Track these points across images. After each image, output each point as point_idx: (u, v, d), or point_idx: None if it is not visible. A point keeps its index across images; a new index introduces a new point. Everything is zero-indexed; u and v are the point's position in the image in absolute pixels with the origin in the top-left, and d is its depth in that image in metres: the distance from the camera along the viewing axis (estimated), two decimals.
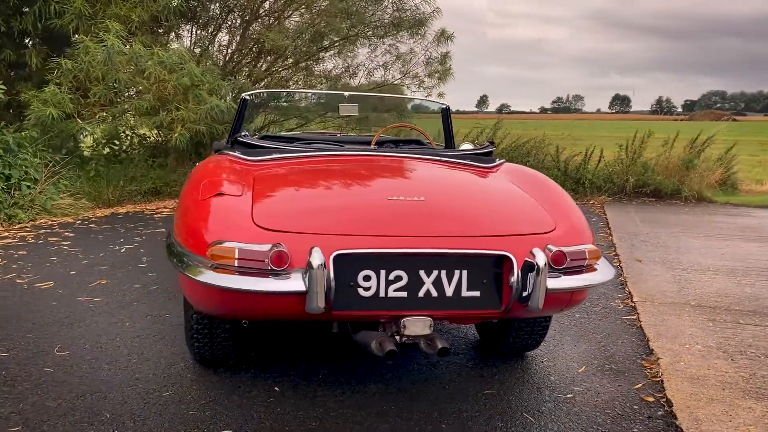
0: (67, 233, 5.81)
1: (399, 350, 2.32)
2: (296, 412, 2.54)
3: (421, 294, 2.18)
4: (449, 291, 2.19)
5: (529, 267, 2.16)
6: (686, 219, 7.57)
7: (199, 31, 10.06)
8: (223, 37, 10.27)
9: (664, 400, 2.76)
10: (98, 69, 7.35)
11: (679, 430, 2.50)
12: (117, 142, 9.32)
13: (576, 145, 10.27)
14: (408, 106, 10.58)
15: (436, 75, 11.08)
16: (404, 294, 2.17)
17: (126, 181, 8.14)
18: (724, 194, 9.43)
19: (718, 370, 3.07)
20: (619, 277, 4.73)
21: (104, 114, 8.19)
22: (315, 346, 3.22)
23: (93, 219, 6.64)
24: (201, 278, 2.11)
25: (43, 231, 5.89)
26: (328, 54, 10.42)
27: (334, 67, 10.99)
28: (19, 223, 6.13)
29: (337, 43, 10.20)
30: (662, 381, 2.94)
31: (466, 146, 4.17)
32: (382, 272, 2.15)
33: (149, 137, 9.52)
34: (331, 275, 2.04)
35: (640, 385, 2.91)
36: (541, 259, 2.14)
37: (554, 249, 2.23)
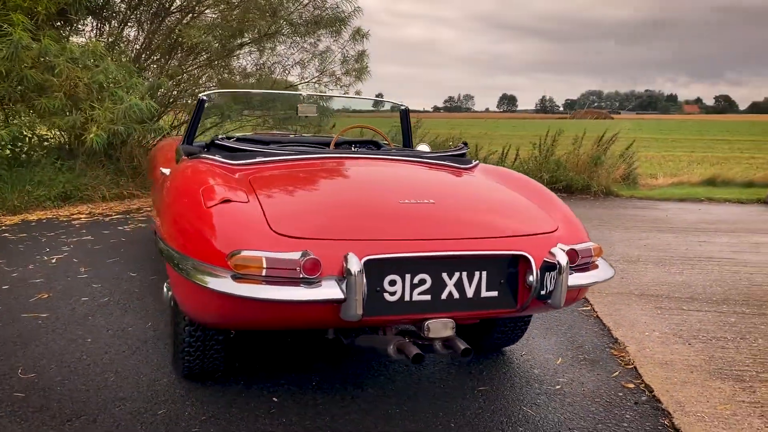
0: None
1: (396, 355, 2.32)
2: (303, 421, 2.48)
3: (443, 296, 2.20)
4: (470, 292, 2.22)
5: (547, 266, 2.23)
6: (602, 213, 8.03)
7: (102, 26, 9.49)
8: (130, 32, 9.77)
9: (643, 386, 2.93)
10: (1, 65, 6.77)
11: (666, 413, 2.67)
12: (20, 144, 8.63)
13: (479, 141, 10.64)
14: (332, 107, 10.53)
15: (353, 73, 11.12)
16: (428, 297, 2.18)
17: (33, 186, 7.57)
18: (627, 188, 10.09)
19: (680, 355, 3.29)
20: None
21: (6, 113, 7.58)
22: (295, 353, 3.15)
23: (3, 227, 6.12)
24: (222, 289, 2.01)
25: None
26: (243, 51, 10.18)
27: (248, 64, 10.77)
28: None
29: (251, 42, 9.97)
30: (636, 368, 3.12)
31: (423, 147, 4.23)
32: (407, 276, 2.14)
33: (49, 138, 8.90)
34: (364, 281, 2.02)
35: (617, 373, 3.07)
36: (562, 258, 2.22)
37: (567, 248, 2.31)
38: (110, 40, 9.25)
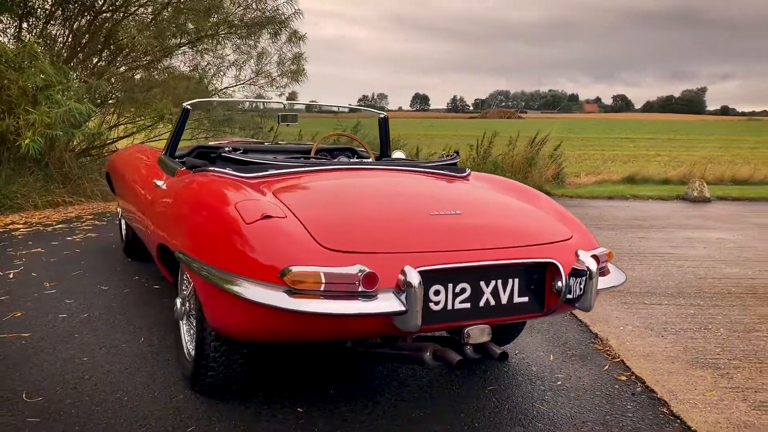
0: None
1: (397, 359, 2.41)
2: (335, 430, 2.52)
3: (481, 303, 2.30)
4: (504, 299, 2.34)
5: (576, 272, 2.38)
6: None
7: (21, 23, 8.94)
8: (55, 29, 9.27)
9: (634, 377, 3.16)
10: None
11: (662, 402, 2.89)
12: None
13: (418, 142, 10.89)
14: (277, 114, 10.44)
15: (289, 74, 11.08)
16: (468, 305, 2.28)
17: None
18: (558, 188, 10.59)
19: (658, 347, 3.56)
20: None
21: None
22: (298, 363, 3.17)
23: None
24: (280, 304, 2.02)
25: None
26: (180, 50, 9.92)
27: (181, 64, 10.51)
28: None
29: (189, 42, 9.74)
30: (623, 361, 3.35)
31: (399, 154, 4.33)
32: (450, 285, 2.24)
33: None
34: (420, 293, 2.09)
35: (606, 367, 3.29)
36: (592, 264, 2.38)
37: (589, 253, 2.48)
38: (29, 38, 8.75)
